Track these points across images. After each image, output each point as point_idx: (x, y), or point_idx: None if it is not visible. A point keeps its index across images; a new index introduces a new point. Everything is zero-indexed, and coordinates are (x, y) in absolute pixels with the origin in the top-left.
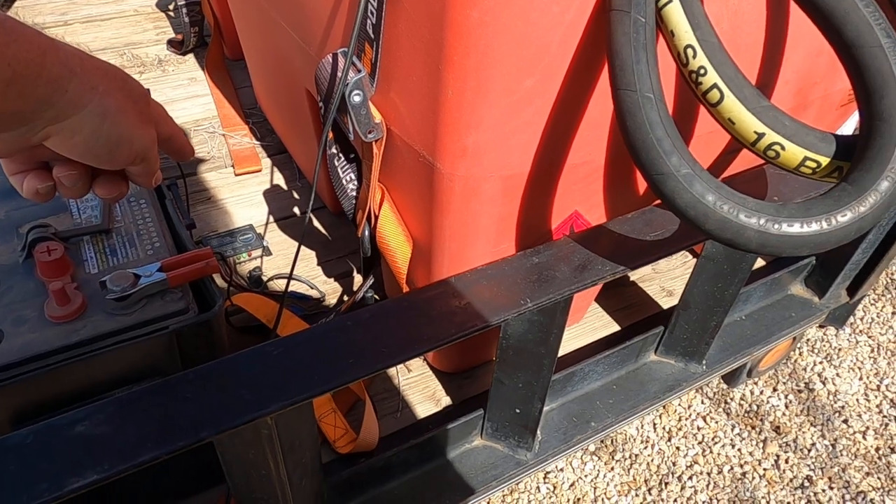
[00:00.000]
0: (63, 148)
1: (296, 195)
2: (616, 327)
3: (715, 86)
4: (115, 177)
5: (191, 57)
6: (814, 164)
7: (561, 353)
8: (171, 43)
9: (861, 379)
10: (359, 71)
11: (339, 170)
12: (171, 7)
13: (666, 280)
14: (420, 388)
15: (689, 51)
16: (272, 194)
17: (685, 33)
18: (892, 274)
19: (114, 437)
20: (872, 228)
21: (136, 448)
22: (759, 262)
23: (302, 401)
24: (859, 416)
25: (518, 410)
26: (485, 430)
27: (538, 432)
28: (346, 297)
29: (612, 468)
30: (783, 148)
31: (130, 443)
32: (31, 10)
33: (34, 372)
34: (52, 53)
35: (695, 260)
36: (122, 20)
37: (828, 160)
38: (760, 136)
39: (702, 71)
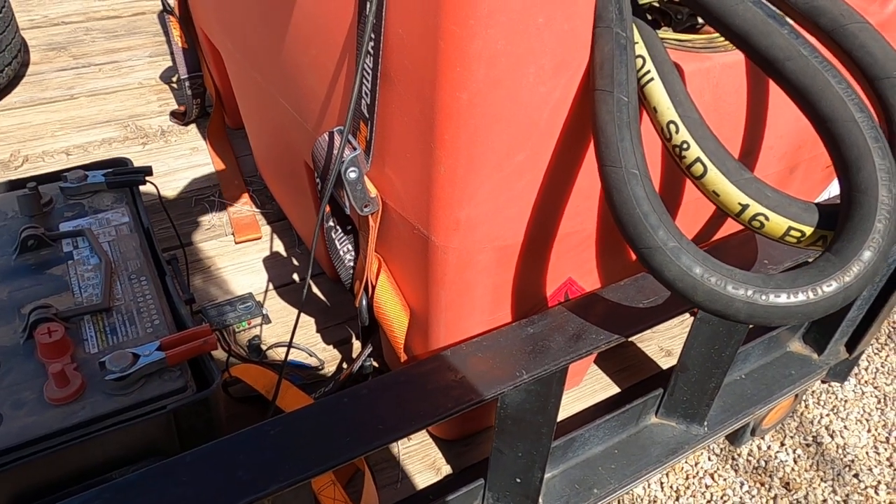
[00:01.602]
0: None
1: (295, 262)
2: (616, 389)
3: (698, 159)
4: None
5: (193, 127)
6: (798, 234)
7: (561, 416)
8: (173, 114)
9: (869, 431)
10: (354, 149)
11: (336, 242)
12: (174, 80)
13: (664, 340)
14: (420, 456)
15: (672, 126)
16: (272, 261)
17: (667, 110)
18: (895, 323)
19: None
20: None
21: None
22: None
23: (300, 481)
24: (870, 469)
25: (519, 479)
26: (486, 499)
27: (540, 500)
28: (345, 365)
29: None
30: (767, 219)
31: None
32: (39, 86)
33: (32, 456)
34: None
35: (692, 319)
36: (126, 93)
37: (811, 230)
38: (745, 207)
39: (685, 145)
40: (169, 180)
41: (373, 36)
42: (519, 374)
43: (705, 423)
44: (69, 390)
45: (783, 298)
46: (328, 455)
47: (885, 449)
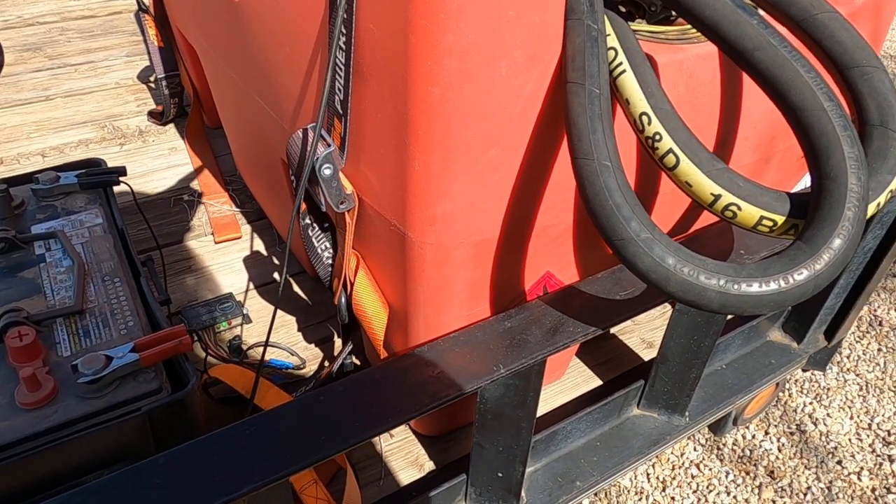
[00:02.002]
0: None
1: (276, 261)
2: (598, 382)
3: (670, 150)
4: None
5: (171, 127)
6: (770, 223)
7: (544, 410)
8: (151, 114)
9: (852, 418)
10: (328, 145)
11: (313, 239)
12: (151, 79)
13: (645, 332)
14: (403, 453)
15: (644, 118)
16: (252, 261)
17: (639, 101)
18: (875, 311)
19: None
20: (840, 275)
21: None
22: None
23: (275, 481)
24: (853, 456)
25: (500, 474)
26: (469, 495)
27: (523, 495)
28: (326, 363)
29: None
30: (739, 208)
31: None
32: (14, 87)
33: (4, 461)
34: None
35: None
36: (103, 93)
37: (783, 219)
38: (717, 197)
39: (657, 137)
40: (147, 180)
41: (344, 31)
42: (497, 369)
43: (686, 414)
44: (41, 394)
45: (755, 287)
46: (304, 453)
47: (868, 435)
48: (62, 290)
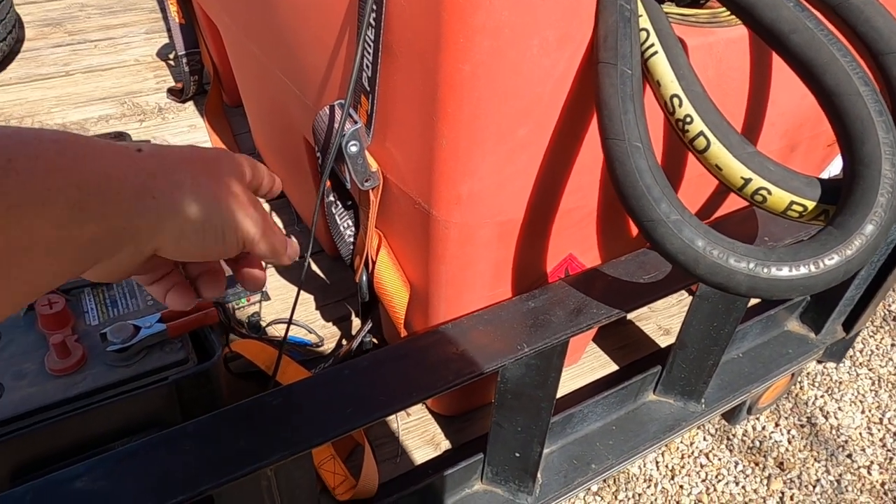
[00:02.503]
0: (176, 254)
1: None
2: (614, 367)
3: (701, 133)
4: (250, 266)
5: (190, 104)
6: (800, 209)
7: (560, 394)
8: (171, 91)
9: (863, 412)
10: (355, 122)
11: (336, 217)
12: (171, 56)
13: (662, 318)
14: (419, 432)
15: (675, 100)
16: None
17: (671, 83)
18: (890, 306)
19: (113, 491)
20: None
21: (137, 503)
22: (755, 300)
23: (301, 451)
24: (863, 450)
25: (518, 454)
26: (485, 474)
27: (538, 475)
28: (344, 342)
29: None
30: (770, 193)
31: (130, 497)
32: (35, 62)
33: (34, 426)
34: (126, 163)
35: (690, 298)
36: (122, 69)
37: (814, 204)
38: (747, 181)
39: (688, 119)
40: None
41: (374, 7)
42: (520, 348)
43: (703, 401)
44: (70, 361)
45: (785, 272)
46: (329, 426)
47: (879, 430)
48: None
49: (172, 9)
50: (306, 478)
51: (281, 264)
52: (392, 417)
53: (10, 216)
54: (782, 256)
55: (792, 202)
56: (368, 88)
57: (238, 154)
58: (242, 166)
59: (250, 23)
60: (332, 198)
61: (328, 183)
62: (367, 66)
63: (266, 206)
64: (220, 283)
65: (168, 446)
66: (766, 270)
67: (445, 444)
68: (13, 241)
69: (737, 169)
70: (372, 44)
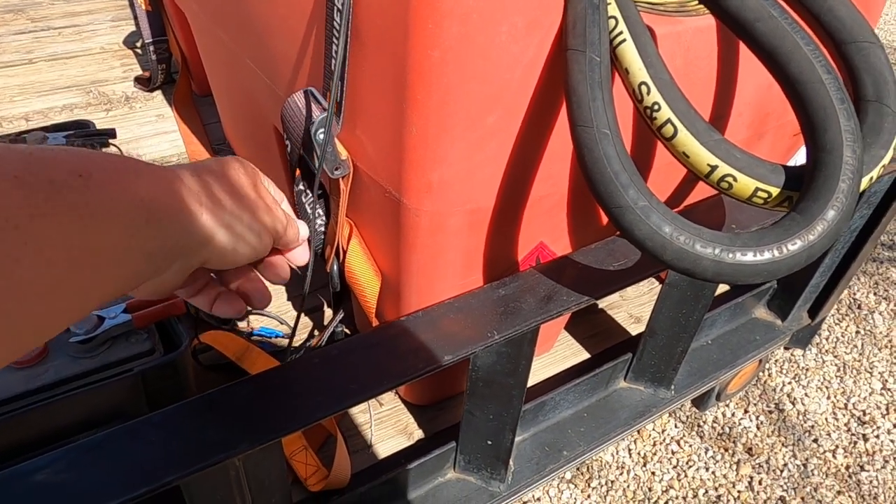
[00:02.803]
0: (220, 265)
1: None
2: (586, 355)
3: (669, 121)
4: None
5: (158, 94)
6: (765, 195)
7: (532, 382)
8: (138, 80)
9: (829, 398)
10: (324, 110)
11: (306, 206)
12: (138, 44)
13: (633, 307)
14: (392, 421)
15: (644, 87)
16: None
17: (639, 71)
18: (855, 294)
19: (77, 484)
20: (826, 254)
21: (100, 495)
22: (724, 288)
23: (269, 440)
24: (828, 434)
25: (490, 442)
26: (458, 462)
27: (511, 463)
28: (316, 332)
29: (589, 496)
30: (735, 180)
31: (94, 489)
32: None
33: None
34: (180, 183)
35: (661, 286)
36: (88, 58)
37: (778, 190)
38: (713, 168)
39: (656, 107)
40: (134, 147)
41: None
42: (490, 335)
43: (672, 387)
44: (33, 353)
45: (749, 257)
46: (299, 414)
47: (844, 415)
48: None
49: None
50: (276, 467)
51: (300, 254)
52: (364, 407)
53: (86, 223)
54: (747, 242)
55: (757, 189)
56: (338, 75)
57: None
58: (254, 167)
59: (218, 10)
60: (301, 186)
61: (297, 172)
62: (336, 53)
63: None
64: (262, 290)
65: (133, 437)
66: (731, 256)
67: (418, 434)
68: (86, 245)
69: (703, 156)
70: (340, 30)
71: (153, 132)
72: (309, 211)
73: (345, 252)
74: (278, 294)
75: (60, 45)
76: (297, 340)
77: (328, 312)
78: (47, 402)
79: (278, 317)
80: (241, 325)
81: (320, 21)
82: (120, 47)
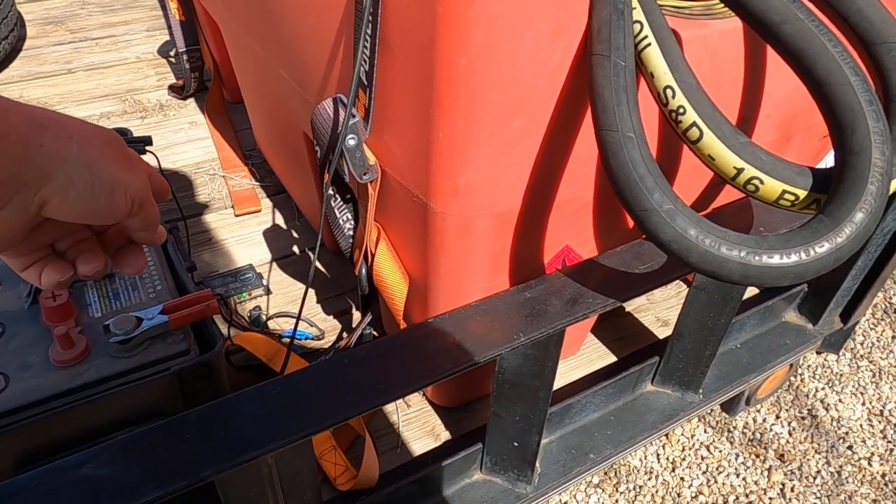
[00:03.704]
0: (63, 210)
1: (295, 234)
2: (612, 358)
3: (694, 124)
4: (130, 248)
5: (191, 101)
6: (792, 197)
7: (558, 385)
8: (172, 88)
9: (864, 404)
10: (353, 116)
11: (335, 210)
12: (171, 53)
13: (661, 310)
14: (419, 423)
15: (669, 91)
16: (272, 234)
17: (664, 75)
18: (891, 298)
19: (117, 478)
20: (858, 256)
21: (140, 488)
22: (753, 291)
23: (301, 438)
24: (864, 441)
25: (516, 444)
26: (484, 464)
27: (537, 465)
28: (344, 334)
29: (617, 500)
30: (762, 182)
31: (134, 483)
32: (36, 60)
33: (39, 416)
34: (14, 112)
35: (688, 289)
36: (124, 67)
37: (805, 193)
38: (739, 171)
39: (681, 110)
40: (168, 154)
41: (372, 2)
42: (517, 337)
43: (700, 391)
44: (74, 352)
45: (776, 259)
46: (329, 413)
47: (879, 422)
48: None
49: (173, 6)
50: (307, 465)
51: (152, 243)
52: (392, 409)
53: None
54: (773, 244)
55: (784, 191)
56: (366, 82)
57: None
58: (122, 139)
59: (250, 19)
60: (331, 191)
61: (326, 177)
62: (365, 61)
63: (267, 203)
64: (98, 257)
65: (170, 434)
66: (757, 258)
67: (445, 435)
68: None
69: (729, 159)
70: (369, 38)
71: (186, 139)
72: (338, 215)
73: (373, 255)
74: (308, 298)
75: (98, 55)
76: (326, 343)
77: (356, 315)
78: (89, 399)
79: (308, 319)
80: (273, 327)
81: (349, 29)
82: (154, 56)
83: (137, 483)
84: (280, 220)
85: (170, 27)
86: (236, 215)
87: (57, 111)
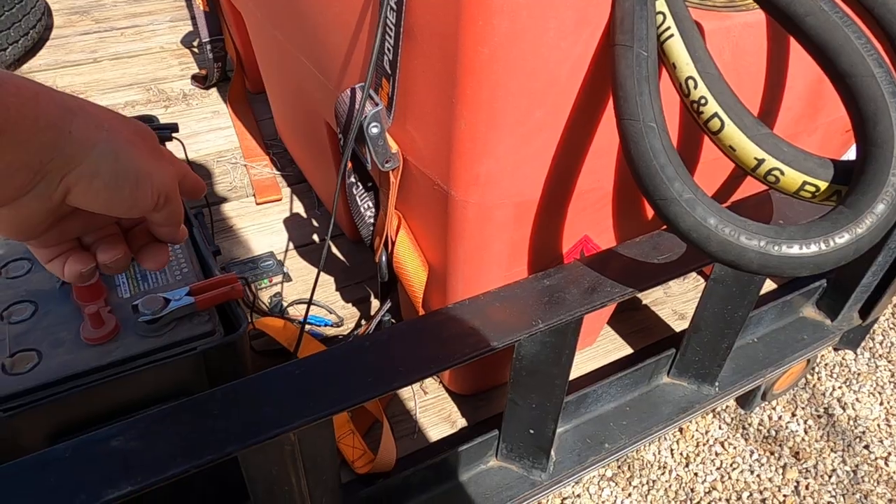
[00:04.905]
0: (87, 198)
1: (315, 223)
2: (629, 350)
3: (715, 115)
4: (153, 245)
5: (214, 91)
6: (813, 189)
7: (574, 375)
8: (195, 78)
9: (882, 404)
10: (376, 104)
11: (357, 198)
12: (195, 43)
13: (678, 303)
14: (436, 410)
15: (690, 82)
16: (292, 222)
17: (686, 65)
18: None
19: (146, 451)
20: (878, 252)
21: (167, 461)
22: (771, 285)
23: (323, 417)
24: (881, 441)
25: (532, 431)
26: (500, 450)
27: (552, 453)
28: (363, 322)
29: (630, 494)
30: (783, 173)
31: (162, 456)
32: (63, 49)
33: (70, 391)
34: (45, 97)
35: (705, 282)
36: (148, 56)
37: (826, 184)
38: (760, 162)
39: (703, 101)
40: (191, 142)
41: None
42: (535, 323)
43: (716, 384)
44: (104, 331)
45: (795, 249)
46: (350, 393)
47: None
48: None
49: None
50: (328, 446)
51: (174, 240)
52: (410, 395)
53: None
54: (793, 234)
55: (805, 182)
56: (389, 71)
57: None
58: (153, 132)
59: (274, 8)
60: (352, 179)
61: (349, 165)
62: (389, 50)
63: (287, 192)
64: (119, 246)
65: (197, 410)
66: (776, 248)
67: (462, 422)
68: None
69: (750, 150)
70: (393, 27)
71: (209, 128)
72: (359, 203)
73: (393, 243)
74: (327, 285)
75: (123, 44)
76: (345, 330)
77: (375, 304)
78: (118, 376)
79: (328, 306)
80: (292, 313)
81: (373, 18)
82: (178, 47)
83: (165, 456)
84: (300, 209)
85: (193, 17)
86: (257, 204)
87: (88, 100)
